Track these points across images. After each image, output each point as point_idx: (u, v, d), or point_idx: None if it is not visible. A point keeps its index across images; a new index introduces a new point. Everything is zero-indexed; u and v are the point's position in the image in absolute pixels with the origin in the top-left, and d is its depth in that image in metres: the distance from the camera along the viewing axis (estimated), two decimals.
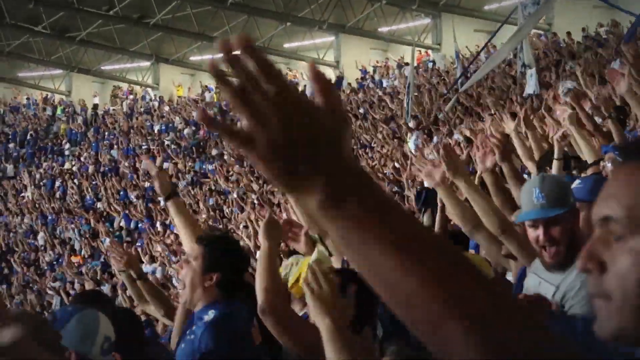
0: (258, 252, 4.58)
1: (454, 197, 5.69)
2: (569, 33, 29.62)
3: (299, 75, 39.94)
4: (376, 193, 1.36)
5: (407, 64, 34.28)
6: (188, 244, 5.25)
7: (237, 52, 1.29)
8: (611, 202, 1.42)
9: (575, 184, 5.13)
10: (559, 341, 1.37)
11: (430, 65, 37.01)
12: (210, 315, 4.26)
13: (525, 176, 7.65)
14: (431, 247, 1.36)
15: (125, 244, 20.78)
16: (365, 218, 1.34)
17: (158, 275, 18.63)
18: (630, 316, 1.37)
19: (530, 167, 8.58)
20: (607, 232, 1.41)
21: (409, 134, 22.21)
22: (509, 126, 8.79)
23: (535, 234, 4.18)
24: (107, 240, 25.56)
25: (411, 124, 22.91)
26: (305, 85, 28.97)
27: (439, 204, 6.93)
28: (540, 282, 4.24)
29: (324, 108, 1.34)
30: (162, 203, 25.92)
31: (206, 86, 45.68)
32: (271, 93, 1.30)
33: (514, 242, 4.99)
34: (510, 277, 5.69)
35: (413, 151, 20.52)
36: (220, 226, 20.66)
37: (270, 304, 3.96)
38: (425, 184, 11.73)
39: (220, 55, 1.30)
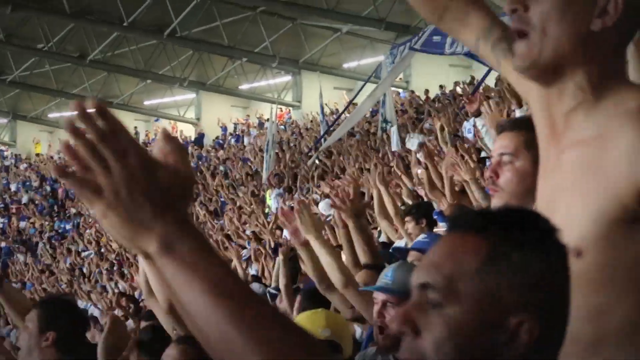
0: None
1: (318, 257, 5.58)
2: (426, 91, 30.27)
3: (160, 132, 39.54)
4: (201, 242, 1.44)
5: (267, 120, 34.42)
6: None
7: (90, 111, 1.43)
8: (431, 270, 1.47)
9: (421, 237, 5.26)
10: None
11: (289, 121, 37.29)
12: None
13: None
14: (241, 291, 1.43)
15: None
16: (191, 261, 1.41)
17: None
18: None
19: (385, 226, 8.65)
20: (424, 298, 1.46)
21: (268, 191, 22.25)
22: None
23: (375, 308, 4.29)
24: None
25: (272, 181, 22.95)
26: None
27: None
28: None
29: (172, 165, 1.45)
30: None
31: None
32: (119, 147, 1.41)
33: (355, 297, 5.06)
34: None
35: (273, 208, 20.50)
36: (82, 286, 20.20)
37: None
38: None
39: (75, 113, 1.45)
